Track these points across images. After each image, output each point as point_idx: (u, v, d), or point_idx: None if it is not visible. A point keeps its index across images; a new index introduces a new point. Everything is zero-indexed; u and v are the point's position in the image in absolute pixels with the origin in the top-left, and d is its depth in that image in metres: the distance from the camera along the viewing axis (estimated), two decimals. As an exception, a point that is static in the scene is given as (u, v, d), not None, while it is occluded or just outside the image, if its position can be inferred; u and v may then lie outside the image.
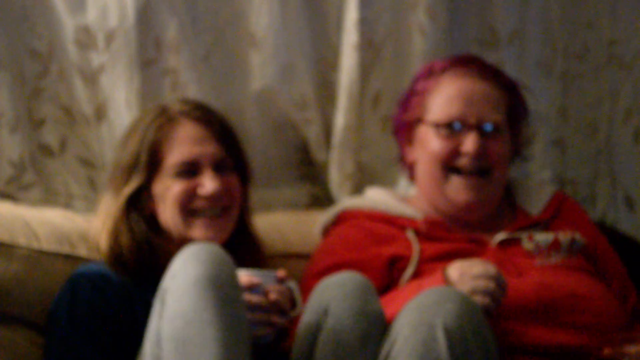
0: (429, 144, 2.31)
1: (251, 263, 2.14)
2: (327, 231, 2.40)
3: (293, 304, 2.03)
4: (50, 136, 2.46)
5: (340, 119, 2.58)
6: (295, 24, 2.53)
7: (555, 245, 2.28)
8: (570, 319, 2.14)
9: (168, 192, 2.14)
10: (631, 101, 2.74)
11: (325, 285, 1.98)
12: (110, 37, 2.42)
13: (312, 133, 2.60)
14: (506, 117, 2.33)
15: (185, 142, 2.16)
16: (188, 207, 2.14)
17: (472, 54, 2.47)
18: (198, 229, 2.14)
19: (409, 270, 2.24)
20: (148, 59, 2.45)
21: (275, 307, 1.99)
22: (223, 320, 1.82)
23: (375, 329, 1.92)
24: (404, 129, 2.38)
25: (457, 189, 2.29)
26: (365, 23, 2.55)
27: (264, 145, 2.58)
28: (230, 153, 2.19)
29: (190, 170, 2.15)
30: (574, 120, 2.75)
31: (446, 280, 2.06)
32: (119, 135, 2.29)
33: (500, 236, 2.30)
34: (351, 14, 2.55)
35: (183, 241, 2.13)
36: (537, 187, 2.49)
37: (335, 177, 2.60)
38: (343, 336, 1.91)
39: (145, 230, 2.14)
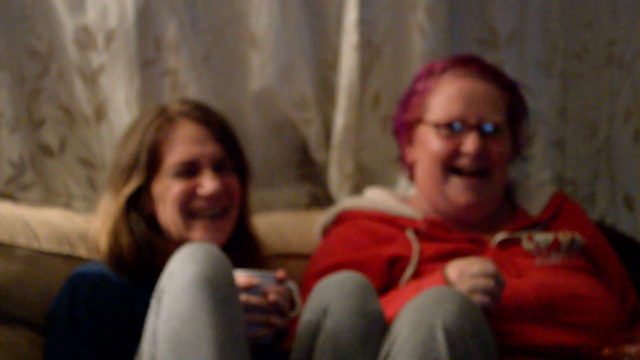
0: (429, 144, 2.31)
1: (250, 263, 2.14)
2: (326, 231, 2.40)
3: (292, 304, 2.03)
4: (50, 136, 2.46)
5: (340, 119, 2.58)
6: (295, 24, 2.54)
7: (555, 246, 2.28)
8: (570, 319, 2.14)
9: (168, 192, 2.14)
10: (631, 101, 2.74)
11: (325, 285, 1.98)
12: (110, 37, 2.43)
13: (312, 133, 2.60)
14: (506, 117, 2.33)
15: (184, 142, 2.16)
16: (188, 208, 2.14)
17: (472, 54, 2.47)
18: (198, 231, 2.14)
19: (409, 271, 2.24)
20: (148, 59, 2.45)
21: (274, 308, 1.99)
22: (219, 321, 1.82)
23: (375, 329, 1.92)
24: (404, 129, 2.38)
25: (457, 190, 2.29)
26: (365, 23, 2.55)
27: (263, 145, 2.58)
28: (229, 153, 2.19)
29: (189, 170, 2.15)
30: (574, 121, 2.75)
31: (445, 280, 2.07)
32: (119, 136, 2.29)
33: (500, 236, 2.30)
34: (351, 14, 2.55)
35: (182, 241, 2.13)
36: (537, 187, 2.49)
37: (335, 177, 2.60)
38: (342, 336, 1.91)
39: (145, 230, 2.14)
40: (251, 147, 2.52)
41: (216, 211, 2.15)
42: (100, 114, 2.46)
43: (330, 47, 2.60)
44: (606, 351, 2.10)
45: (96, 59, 2.43)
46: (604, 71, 2.74)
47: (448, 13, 2.61)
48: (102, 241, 2.15)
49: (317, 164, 2.63)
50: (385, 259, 2.26)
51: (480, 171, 2.29)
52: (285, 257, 2.39)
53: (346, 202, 2.43)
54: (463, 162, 2.29)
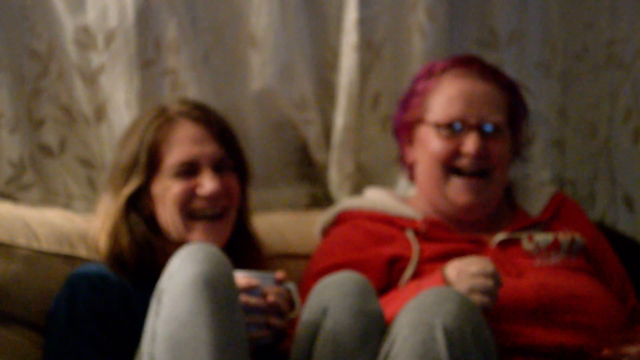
0: (430, 144, 2.31)
1: (250, 264, 2.14)
2: (326, 231, 2.40)
3: (292, 305, 2.03)
4: (50, 136, 2.46)
5: (340, 119, 2.58)
6: (295, 24, 2.54)
7: (555, 246, 2.28)
8: (569, 319, 2.14)
9: (167, 193, 2.14)
10: (630, 101, 2.74)
11: (324, 285, 1.98)
12: (110, 37, 2.42)
13: (312, 133, 2.60)
14: (506, 117, 2.33)
15: (184, 142, 2.16)
16: (187, 208, 2.14)
17: (472, 54, 2.46)
18: (198, 233, 2.14)
19: (409, 271, 2.24)
20: (148, 59, 2.45)
21: (273, 309, 1.99)
22: (218, 323, 1.82)
23: (375, 329, 1.92)
24: (404, 129, 2.38)
25: (458, 190, 2.29)
26: (364, 23, 2.55)
27: (263, 145, 2.58)
28: (229, 153, 2.19)
29: (189, 170, 2.15)
30: (574, 121, 2.75)
31: (445, 280, 2.07)
32: (119, 136, 2.29)
33: (500, 236, 2.30)
34: (351, 15, 2.55)
35: (182, 242, 2.13)
36: (537, 187, 2.49)
37: (335, 177, 2.60)
38: (342, 336, 1.91)
39: (145, 230, 2.14)
40: (251, 147, 2.52)
41: (216, 211, 2.15)
42: (100, 114, 2.46)
43: (330, 47, 2.60)
44: (606, 351, 2.10)
45: (96, 59, 2.43)
46: (603, 71, 2.74)
47: (448, 13, 2.61)
48: (102, 241, 2.15)
49: (317, 164, 2.63)
50: (385, 259, 2.26)
51: (481, 171, 2.29)
52: (285, 257, 2.39)
53: (346, 202, 2.43)
54: (463, 162, 2.29)
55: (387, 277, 2.25)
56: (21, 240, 2.19)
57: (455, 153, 2.29)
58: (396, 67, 2.61)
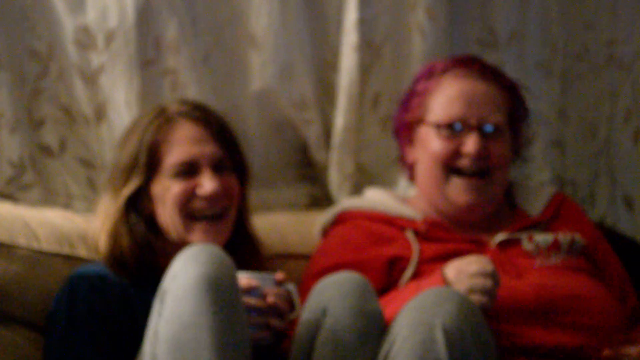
0: (430, 144, 2.31)
1: (250, 264, 2.14)
2: (326, 232, 2.40)
3: (291, 306, 2.03)
4: (50, 136, 2.46)
5: (340, 119, 2.58)
6: (295, 24, 2.53)
7: (555, 246, 2.28)
8: (569, 319, 2.14)
9: (167, 193, 2.14)
10: (631, 101, 2.74)
11: (324, 285, 1.98)
12: (110, 38, 2.42)
13: (312, 133, 2.60)
14: (507, 117, 2.33)
15: (183, 143, 2.15)
16: (187, 208, 2.14)
17: (472, 55, 2.46)
18: (197, 233, 2.14)
19: (409, 271, 2.24)
20: (148, 59, 2.45)
21: (273, 310, 1.99)
22: (220, 325, 1.82)
23: (374, 329, 1.93)
24: (405, 129, 2.38)
25: (458, 190, 2.29)
26: (364, 24, 2.55)
27: (263, 145, 2.58)
28: (229, 153, 2.19)
29: (189, 170, 2.14)
30: (574, 121, 2.75)
31: (444, 280, 2.07)
32: (119, 136, 2.29)
33: (500, 237, 2.30)
34: (351, 15, 2.55)
35: (182, 243, 2.13)
36: (537, 187, 2.49)
37: (335, 177, 2.60)
38: (342, 336, 1.91)
39: (145, 231, 2.14)
40: (251, 147, 2.52)
41: (216, 211, 2.15)
42: (100, 114, 2.46)
43: (330, 48, 2.60)
44: (606, 352, 2.10)
45: (96, 59, 2.43)
46: (603, 72, 2.74)
47: (448, 13, 2.61)
48: (102, 242, 2.15)
49: (317, 164, 2.63)
50: (385, 260, 2.26)
51: (481, 171, 2.29)
52: (285, 258, 2.39)
53: (346, 202, 2.43)
54: (464, 162, 2.29)
55: (387, 278, 2.25)
56: (21, 241, 2.19)
57: (456, 153, 2.29)
58: (396, 67, 2.61)
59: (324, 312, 1.93)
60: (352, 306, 1.92)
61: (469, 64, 2.34)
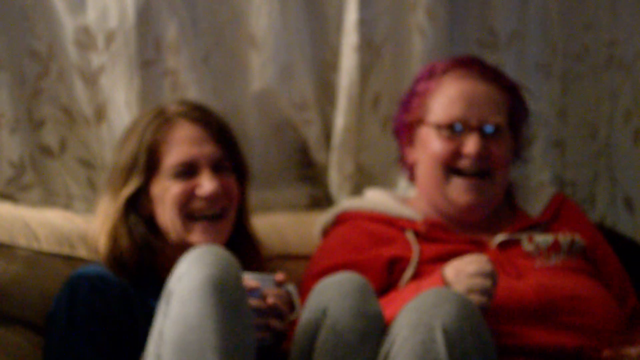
0: (430, 145, 2.31)
1: (250, 265, 2.13)
2: (326, 232, 2.40)
3: (291, 307, 2.03)
4: (50, 137, 2.46)
5: (340, 119, 2.58)
6: (295, 25, 2.53)
7: (555, 247, 2.28)
8: (569, 320, 2.14)
9: (166, 194, 2.14)
10: (631, 102, 2.74)
11: (324, 285, 1.98)
12: (110, 38, 2.42)
13: (312, 134, 2.60)
14: (507, 118, 2.33)
15: (183, 143, 2.15)
16: (187, 208, 2.14)
17: (473, 55, 2.46)
18: (197, 234, 2.14)
19: (409, 272, 2.24)
20: (148, 60, 2.45)
21: (273, 311, 1.99)
22: (225, 327, 1.82)
23: (374, 329, 1.93)
24: (405, 129, 2.38)
25: (459, 190, 2.29)
26: (364, 24, 2.55)
27: (263, 146, 2.58)
28: (228, 153, 2.19)
29: (188, 171, 2.14)
30: (574, 122, 2.75)
31: (444, 281, 2.07)
32: (119, 136, 2.29)
33: (500, 237, 2.30)
34: (351, 15, 2.55)
35: (181, 243, 2.13)
36: (537, 188, 2.50)
37: (335, 178, 2.60)
38: (342, 336, 1.91)
39: (144, 232, 2.14)
40: (251, 147, 2.52)
41: (215, 212, 2.15)
42: (100, 114, 2.46)
43: (330, 48, 2.60)
44: (606, 352, 2.10)
45: (96, 59, 2.43)
46: (604, 72, 2.74)
47: (448, 14, 2.61)
48: (101, 243, 2.15)
49: (317, 164, 2.63)
50: (384, 260, 2.26)
51: (481, 172, 2.29)
52: (285, 258, 2.39)
53: (346, 203, 2.43)
54: (464, 163, 2.29)
55: (386, 278, 2.25)
56: (21, 241, 2.19)
57: (456, 154, 2.29)
58: (396, 68, 2.61)
59: (324, 313, 1.93)
60: (352, 307, 1.92)
61: (470, 64, 2.34)
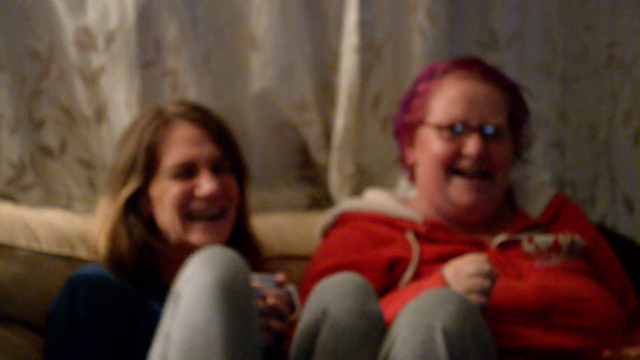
0: (431, 145, 2.31)
1: (249, 265, 2.13)
2: (326, 233, 2.40)
3: (292, 307, 2.03)
4: (50, 137, 2.46)
5: (340, 120, 2.58)
6: (295, 25, 2.53)
7: (555, 248, 2.28)
8: (570, 321, 2.14)
9: (166, 194, 2.14)
10: (631, 103, 2.74)
11: (324, 286, 1.98)
12: (110, 38, 2.42)
13: (312, 135, 2.60)
14: (508, 119, 2.33)
15: (181, 144, 2.15)
16: (186, 209, 2.14)
17: (474, 56, 2.46)
18: (196, 233, 2.14)
19: (409, 272, 2.24)
20: (148, 60, 2.45)
21: (273, 312, 1.99)
22: (232, 333, 1.82)
23: (375, 330, 1.93)
24: (406, 130, 2.38)
25: (459, 190, 2.29)
26: (365, 25, 2.55)
27: (263, 146, 2.58)
28: (227, 154, 2.19)
29: (187, 171, 2.14)
30: (574, 122, 2.75)
31: (444, 281, 2.07)
32: (119, 137, 2.29)
33: (500, 238, 2.30)
34: (351, 16, 2.55)
35: (181, 243, 2.14)
36: (537, 189, 2.49)
37: (335, 178, 2.60)
38: (342, 337, 1.91)
39: (144, 232, 2.14)
40: (251, 148, 2.52)
41: (214, 212, 2.15)
42: (100, 115, 2.46)
43: (330, 49, 2.60)
44: (606, 353, 2.10)
45: (96, 60, 2.43)
46: (604, 73, 2.74)
47: (448, 15, 2.61)
48: (101, 244, 2.15)
49: (317, 165, 2.63)
50: (385, 261, 2.26)
51: (482, 173, 2.29)
52: (285, 259, 2.39)
53: (346, 203, 2.43)
54: (464, 164, 2.29)
55: (387, 279, 2.25)
56: (21, 242, 2.19)
57: (457, 155, 2.29)
58: (396, 69, 2.61)
59: (324, 313, 1.93)
60: (352, 307, 1.92)
61: (470, 65, 2.34)
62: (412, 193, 2.47)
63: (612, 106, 2.75)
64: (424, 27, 2.58)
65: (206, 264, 1.86)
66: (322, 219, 2.43)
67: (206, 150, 2.16)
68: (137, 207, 2.15)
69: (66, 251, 2.23)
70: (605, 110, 2.75)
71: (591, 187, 2.77)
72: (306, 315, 1.96)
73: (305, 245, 2.42)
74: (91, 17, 2.42)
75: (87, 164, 2.48)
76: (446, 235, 2.30)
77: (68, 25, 2.42)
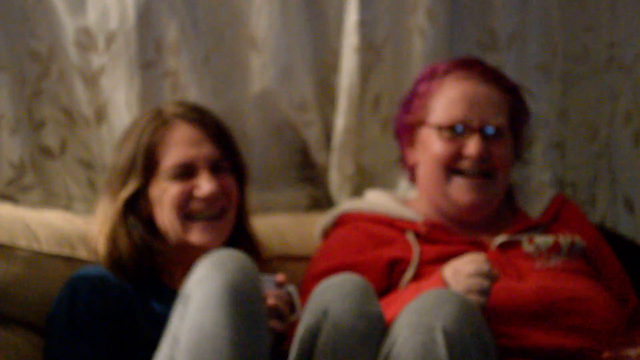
0: (431, 146, 2.31)
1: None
2: (327, 233, 2.40)
3: (292, 308, 2.03)
4: (50, 138, 2.46)
5: (340, 121, 2.58)
6: (295, 26, 2.53)
7: (555, 248, 2.28)
8: (570, 321, 2.14)
9: (165, 195, 2.14)
10: (631, 103, 2.74)
11: (325, 286, 1.98)
12: (110, 39, 2.42)
13: (312, 135, 2.60)
14: (508, 120, 2.33)
15: (180, 145, 2.15)
16: (185, 210, 2.14)
17: (474, 57, 2.47)
18: (196, 233, 2.14)
19: (409, 273, 2.24)
20: (148, 61, 2.45)
21: (273, 312, 1.99)
22: (240, 339, 1.82)
23: (375, 330, 1.93)
24: (406, 131, 2.38)
25: (460, 189, 2.29)
26: (365, 25, 2.55)
27: (263, 147, 2.58)
28: (226, 154, 2.19)
29: (186, 172, 2.15)
30: (574, 123, 2.75)
31: (443, 281, 2.07)
32: (119, 137, 2.30)
33: (501, 238, 2.30)
34: (351, 16, 2.55)
35: (181, 244, 2.14)
36: (537, 189, 2.50)
37: (335, 179, 2.60)
38: (342, 338, 1.91)
39: (143, 233, 2.14)
40: (251, 148, 2.52)
41: (214, 212, 2.15)
42: (100, 115, 2.46)
43: (330, 49, 2.60)
44: (606, 354, 2.09)
45: (97, 60, 2.43)
46: (604, 73, 2.74)
47: (448, 15, 2.61)
48: (101, 244, 2.15)
49: (318, 165, 2.63)
50: (385, 261, 2.26)
51: (483, 174, 2.29)
52: (285, 259, 2.39)
53: (346, 204, 2.43)
54: (465, 164, 2.29)
55: (387, 279, 2.25)
56: (22, 242, 2.19)
57: (457, 155, 2.29)
58: (396, 69, 2.61)
59: (324, 314, 1.93)
60: (352, 308, 1.92)
61: (471, 66, 2.35)
62: (412, 193, 2.47)
63: (612, 107, 2.75)
64: (424, 27, 2.58)
65: (217, 268, 1.86)
66: (322, 219, 2.43)
67: (205, 150, 2.16)
68: (136, 207, 2.15)
69: (66, 252, 2.23)
70: (606, 110, 2.75)
71: (591, 187, 2.77)
72: (306, 315, 1.96)
73: (306, 245, 2.42)
74: (91, 17, 2.43)
75: (88, 165, 2.48)
76: (446, 236, 2.30)
77: (68, 25, 2.42)
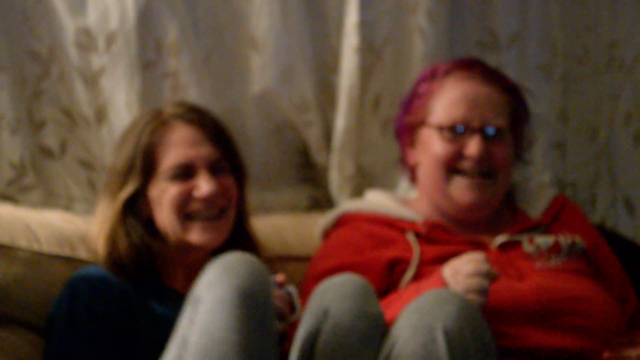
0: (432, 146, 2.31)
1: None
2: (327, 234, 2.40)
3: (292, 308, 2.03)
4: (50, 138, 2.46)
5: (341, 121, 2.58)
6: (296, 26, 2.53)
7: (555, 248, 2.28)
8: (570, 322, 2.14)
9: (164, 196, 2.14)
10: (631, 104, 2.74)
11: (325, 287, 1.98)
12: (110, 39, 2.43)
13: (312, 135, 2.60)
14: (509, 120, 2.33)
15: (179, 145, 2.15)
16: (184, 210, 2.14)
17: (475, 57, 2.47)
18: (195, 233, 2.14)
19: (409, 273, 2.24)
20: (148, 61, 2.45)
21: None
22: (249, 344, 1.81)
23: (375, 331, 1.93)
24: (407, 131, 2.38)
25: (461, 189, 2.29)
26: (365, 26, 2.55)
27: (264, 147, 2.58)
28: (225, 154, 2.19)
29: (185, 173, 2.14)
30: (574, 123, 2.75)
31: (443, 281, 2.07)
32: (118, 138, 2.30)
33: (501, 239, 2.30)
34: (351, 17, 2.55)
35: (180, 244, 2.14)
36: (538, 190, 2.50)
37: (335, 179, 2.60)
38: (343, 338, 1.90)
39: (143, 234, 2.14)
40: (251, 149, 2.52)
41: (213, 213, 2.15)
42: (100, 115, 2.46)
43: (330, 50, 2.60)
44: (606, 354, 2.10)
45: (97, 60, 2.43)
46: (604, 74, 2.74)
47: (448, 16, 2.61)
48: (100, 245, 2.15)
49: (318, 166, 2.63)
50: (385, 262, 2.26)
51: (483, 174, 2.29)
52: (285, 260, 2.39)
53: (346, 204, 2.43)
54: (466, 164, 2.29)
55: (387, 280, 2.25)
56: (22, 242, 2.19)
57: (458, 155, 2.29)
58: (397, 69, 2.61)
59: (325, 314, 1.93)
60: (353, 308, 1.92)
61: (471, 66, 2.35)
62: (413, 194, 2.48)
63: (612, 107, 2.75)
64: (424, 27, 2.58)
65: (227, 272, 1.86)
66: (322, 219, 2.43)
67: (204, 151, 2.16)
68: (135, 208, 2.15)
69: (66, 252, 2.23)
70: (606, 111, 2.75)
71: (591, 187, 2.77)
72: (307, 316, 1.96)
73: (306, 246, 2.42)
74: (92, 18, 2.43)
75: (88, 165, 2.48)
76: (447, 236, 2.30)
77: (68, 26, 2.43)
